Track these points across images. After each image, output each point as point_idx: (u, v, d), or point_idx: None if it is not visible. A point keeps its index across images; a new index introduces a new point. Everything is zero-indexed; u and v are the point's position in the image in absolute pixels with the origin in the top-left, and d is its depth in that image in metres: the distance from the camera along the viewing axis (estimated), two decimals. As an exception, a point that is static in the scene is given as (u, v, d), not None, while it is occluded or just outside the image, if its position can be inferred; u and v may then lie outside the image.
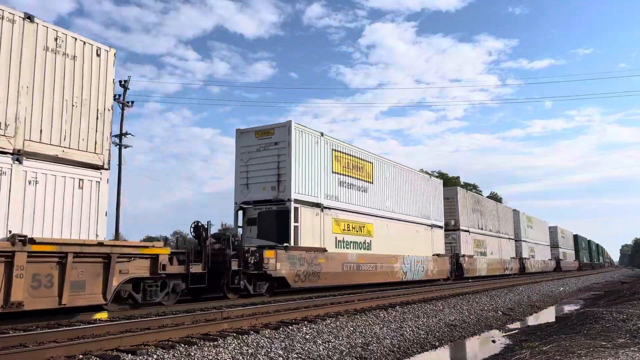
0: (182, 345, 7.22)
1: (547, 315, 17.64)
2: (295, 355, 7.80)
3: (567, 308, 19.65)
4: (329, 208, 17.76)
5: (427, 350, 10.28)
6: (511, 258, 38.85)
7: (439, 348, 10.70)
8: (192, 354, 6.91)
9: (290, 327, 9.22)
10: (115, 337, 7.11)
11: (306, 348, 8.22)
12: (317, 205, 17.23)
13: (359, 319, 11.05)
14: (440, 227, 26.98)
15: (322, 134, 18.00)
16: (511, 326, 14.38)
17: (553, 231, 59.61)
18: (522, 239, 43.72)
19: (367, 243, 19.92)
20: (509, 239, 39.75)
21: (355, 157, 19.93)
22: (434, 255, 25.36)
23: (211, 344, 7.48)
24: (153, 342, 7.33)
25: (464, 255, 28.90)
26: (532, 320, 16.19)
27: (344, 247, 18.37)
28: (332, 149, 18.46)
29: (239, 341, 7.83)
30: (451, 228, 29.32)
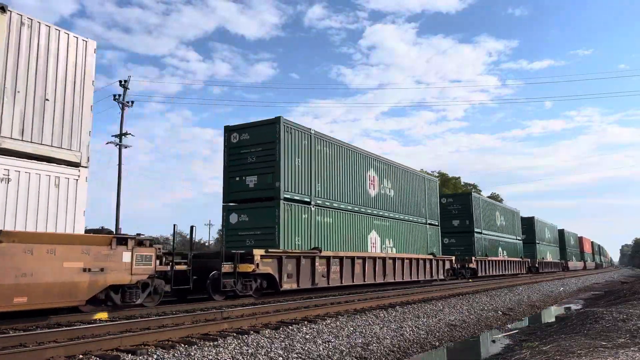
0: (182, 345, 7.22)
1: (547, 315, 17.65)
2: (295, 355, 7.80)
3: (567, 308, 19.65)
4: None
5: (427, 350, 10.27)
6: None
7: (439, 348, 10.70)
8: (192, 354, 6.91)
9: (290, 327, 9.22)
10: (115, 337, 7.11)
11: (306, 348, 8.22)
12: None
13: (359, 318, 11.05)
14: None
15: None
16: (511, 326, 14.38)
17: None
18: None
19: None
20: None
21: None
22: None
23: (211, 344, 7.47)
24: (153, 342, 7.32)
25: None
26: (532, 320, 16.19)
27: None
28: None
29: (239, 341, 7.83)
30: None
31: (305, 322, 9.81)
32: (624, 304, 14.41)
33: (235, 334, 8.19)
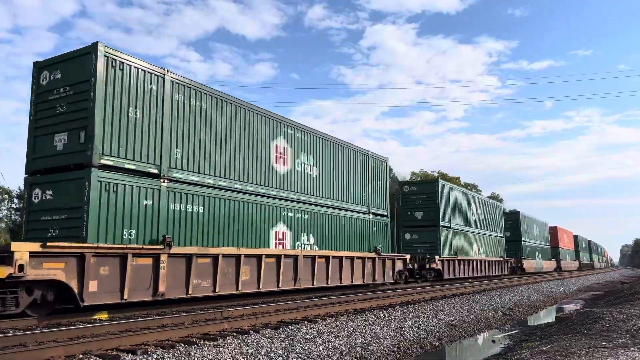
0: (182, 345, 7.22)
1: (547, 315, 17.65)
2: (295, 355, 7.80)
3: (567, 308, 19.65)
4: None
5: (427, 350, 10.27)
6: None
7: (438, 348, 10.70)
8: (192, 353, 6.91)
9: (290, 327, 9.22)
10: (115, 337, 7.10)
11: (306, 348, 8.22)
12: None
13: (359, 318, 11.05)
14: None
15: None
16: (511, 326, 14.38)
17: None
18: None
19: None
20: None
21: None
22: None
23: (211, 343, 7.47)
24: (153, 342, 7.32)
25: None
26: (532, 320, 16.19)
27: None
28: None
29: (239, 341, 7.83)
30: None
31: (305, 322, 9.80)
32: (624, 304, 14.41)
33: (235, 334, 8.18)
